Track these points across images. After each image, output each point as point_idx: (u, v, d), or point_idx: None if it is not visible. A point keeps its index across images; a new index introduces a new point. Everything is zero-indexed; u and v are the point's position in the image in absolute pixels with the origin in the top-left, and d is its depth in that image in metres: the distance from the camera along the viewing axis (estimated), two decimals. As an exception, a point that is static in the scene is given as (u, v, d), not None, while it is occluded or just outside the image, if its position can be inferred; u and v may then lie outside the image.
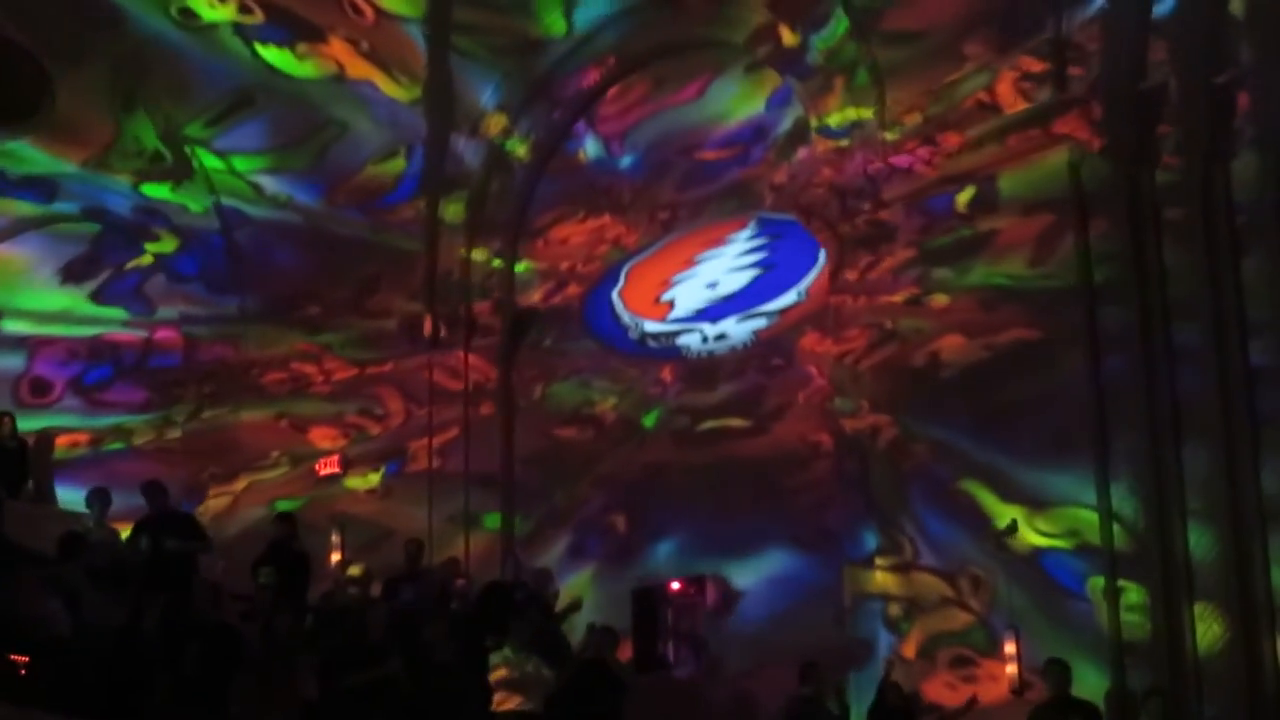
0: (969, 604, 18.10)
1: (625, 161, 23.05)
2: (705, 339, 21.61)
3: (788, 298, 21.14)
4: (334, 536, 21.18)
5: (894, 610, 18.72)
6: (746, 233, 21.62)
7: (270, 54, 22.99)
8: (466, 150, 23.69)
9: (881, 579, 18.78)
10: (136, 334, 24.98)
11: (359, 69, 23.20)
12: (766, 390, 20.94)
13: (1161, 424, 17.37)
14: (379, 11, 22.59)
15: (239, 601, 15.44)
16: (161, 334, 24.98)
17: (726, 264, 21.73)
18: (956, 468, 18.54)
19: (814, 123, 20.93)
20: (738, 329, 21.41)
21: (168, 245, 24.73)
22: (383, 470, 23.50)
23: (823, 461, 19.96)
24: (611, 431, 22.23)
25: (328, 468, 23.54)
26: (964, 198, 19.41)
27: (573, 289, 23.03)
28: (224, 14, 22.51)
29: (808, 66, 21.04)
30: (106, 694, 12.92)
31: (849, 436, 19.75)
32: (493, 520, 22.48)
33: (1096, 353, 17.93)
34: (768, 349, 21.12)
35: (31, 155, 23.26)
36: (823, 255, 20.71)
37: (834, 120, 20.68)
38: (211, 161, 24.02)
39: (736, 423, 21.09)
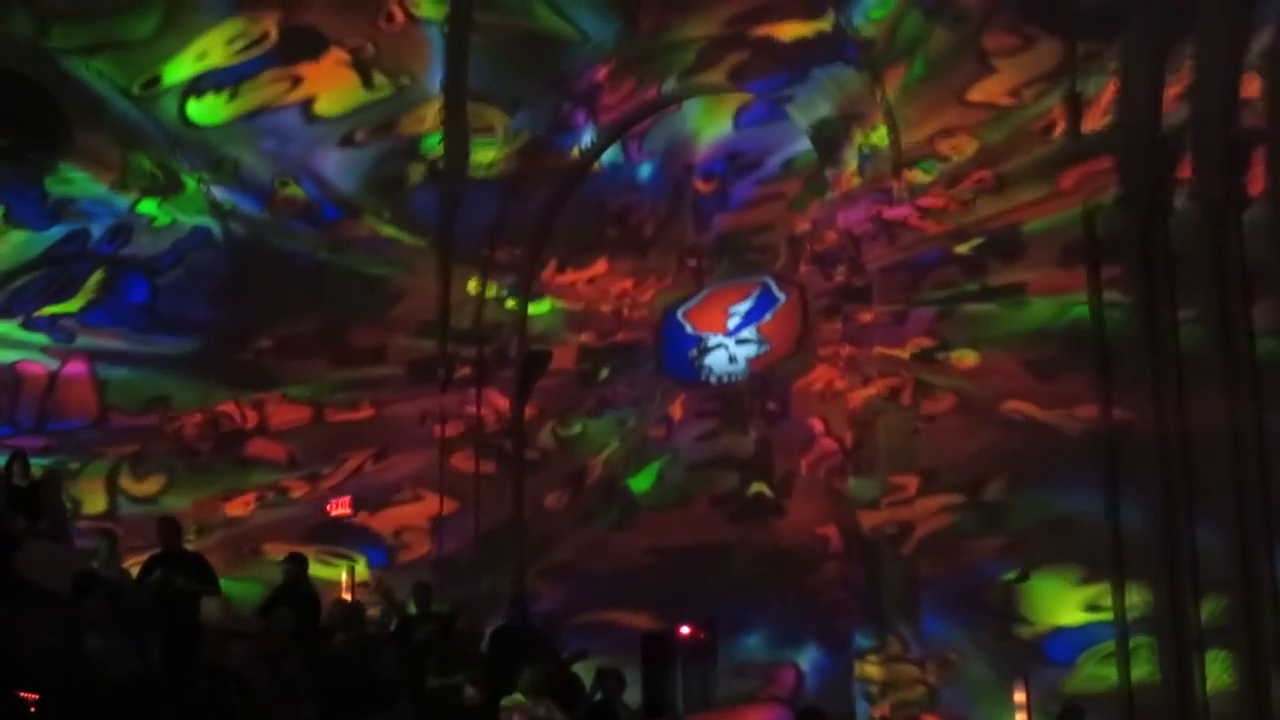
0: (928, 680, 18.57)
1: (644, 171, 22.83)
2: (732, 357, 21.68)
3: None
4: (344, 576, 21.10)
5: (873, 689, 19.15)
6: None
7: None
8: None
9: (869, 669, 19.21)
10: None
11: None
12: (771, 446, 20.86)
13: (1175, 481, 17.45)
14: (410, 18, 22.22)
15: (243, 641, 15.42)
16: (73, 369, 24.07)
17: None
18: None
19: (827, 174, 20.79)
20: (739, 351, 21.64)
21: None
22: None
23: (832, 563, 20.01)
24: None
25: (338, 508, 23.07)
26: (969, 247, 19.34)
27: (622, 334, 22.69)
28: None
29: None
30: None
31: (865, 538, 19.52)
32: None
33: (1108, 405, 17.86)
34: (761, 386, 21.20)
35: (77, 177, 23.33)
36: (782, 295, 21.22)
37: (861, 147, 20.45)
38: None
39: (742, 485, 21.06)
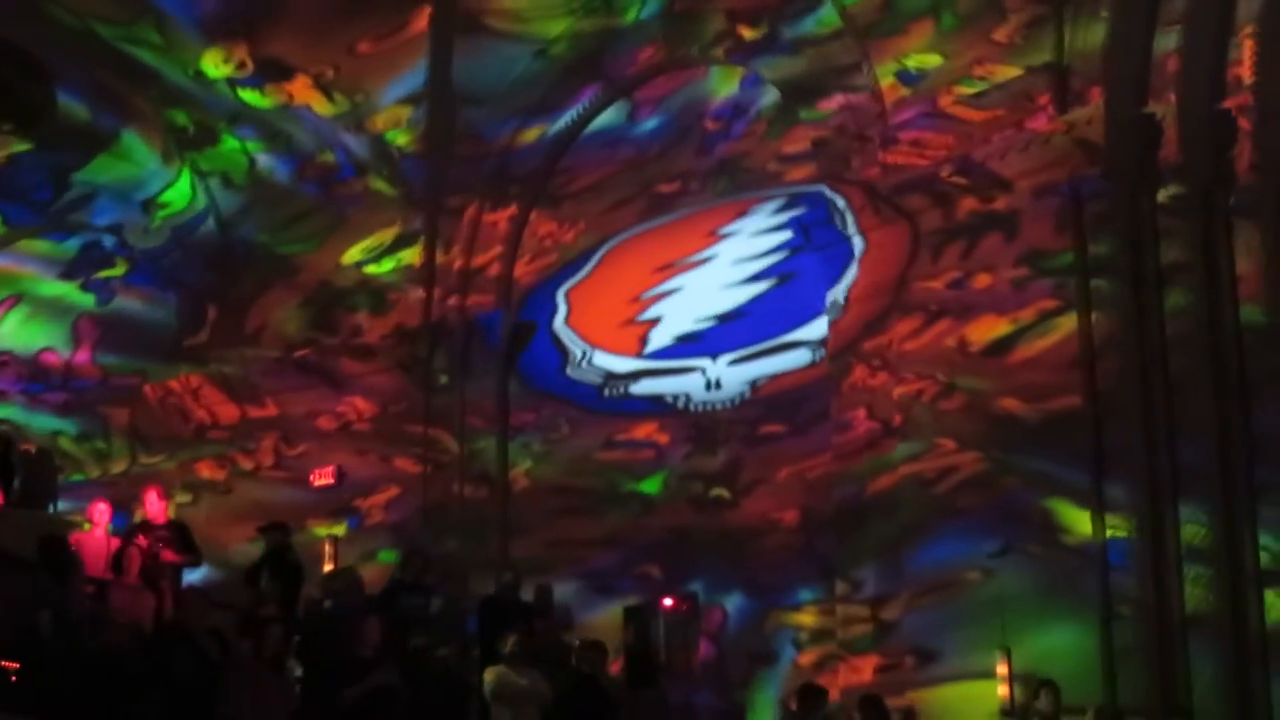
0: (880, 617, 18.54)
1: (648, 125, 22.42)
2: (713, 383, 21.01)
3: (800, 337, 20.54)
4: (326, 546, 21.05)
5: (803, 636, 19.58)
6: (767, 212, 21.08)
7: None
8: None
9: (800, 618, 19.64)
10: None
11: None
12: (742, 464, 20.74)
13: (1160, 471, 17.34)
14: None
15: (227, 611, 15.41)
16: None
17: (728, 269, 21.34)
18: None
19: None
20: (730, 374, 20.95)
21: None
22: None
23: (776, 536, 20.19)
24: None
25: (322, 479, 23.13)
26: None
27: (477, 298, 23.14)
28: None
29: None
30: (95, 701, 12.86)
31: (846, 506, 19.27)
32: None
33: (1095, 394, 17.75)
34: (764, 410, 20.67)
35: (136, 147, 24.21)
36: (855, 267, 19.77)
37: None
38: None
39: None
